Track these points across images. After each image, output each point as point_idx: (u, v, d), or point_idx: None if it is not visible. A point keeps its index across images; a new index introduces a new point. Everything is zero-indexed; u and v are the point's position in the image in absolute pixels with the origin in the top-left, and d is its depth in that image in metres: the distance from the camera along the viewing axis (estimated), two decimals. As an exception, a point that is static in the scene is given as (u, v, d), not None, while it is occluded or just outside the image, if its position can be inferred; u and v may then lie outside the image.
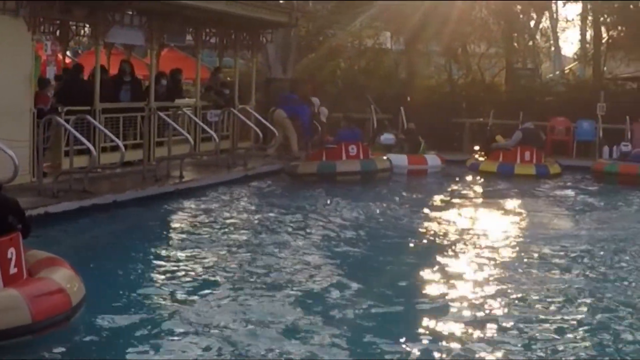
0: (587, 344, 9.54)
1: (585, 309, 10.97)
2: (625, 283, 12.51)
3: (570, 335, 9.80)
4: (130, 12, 20.39)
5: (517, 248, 14.94)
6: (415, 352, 9.16)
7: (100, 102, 18.99)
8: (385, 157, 24.52)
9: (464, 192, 22.82)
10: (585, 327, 10.10)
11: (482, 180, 24.73)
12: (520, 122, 27.23)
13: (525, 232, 16.82)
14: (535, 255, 14.19)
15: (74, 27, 21.96)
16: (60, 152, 17.72)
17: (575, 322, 10.29)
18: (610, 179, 24.64)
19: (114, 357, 8.80)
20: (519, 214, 19.01)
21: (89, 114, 18.01)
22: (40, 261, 9.58)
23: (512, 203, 20.48)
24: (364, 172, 23.23)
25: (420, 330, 9.91)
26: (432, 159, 26.01)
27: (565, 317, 10.48)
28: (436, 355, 9.09)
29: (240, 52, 26.53)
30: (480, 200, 21.45)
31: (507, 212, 19.16)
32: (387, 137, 26.91)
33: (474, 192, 23.02)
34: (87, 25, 21.24)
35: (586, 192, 22.98)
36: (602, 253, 14.51)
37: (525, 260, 13.78)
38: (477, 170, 26.05)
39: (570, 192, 22.82)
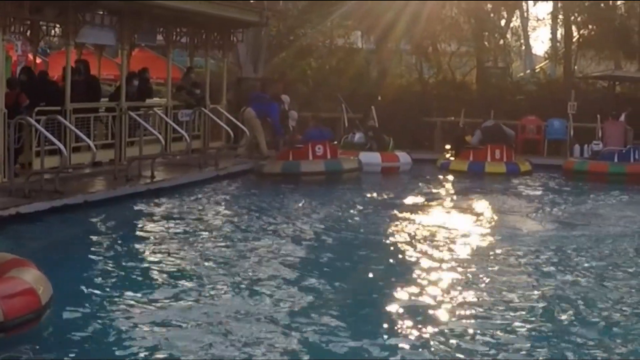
0: (560, 344, 9.60)
1: (555, 308, 10.98)
2: (596, 281, 12.56)
3: (540, 338, 9.83)
4: (101, 12, 20.35)
5: (486, 248, 14.93)
6: (384, 353, 9.19)
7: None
8: (353, 157, 24.52)
9: (435, 191, 22.82)
10: (556, 329, 10.16)
11: (453, 179, 24.82)
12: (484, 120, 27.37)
13: (495, 231, 16.81)
14: (504, 254, 14.20)
15: (45, 27, 21.87)
16: (31, 152, 17.63)
17: (544, 324, 10.33)
18: (580, 177, 24.87)
19: (83, 356, 8.79)
20: (489, 213, 19.02)
21: (59, 114, 17.94)
22: (5, 263, 9.55)
23: (482, 202, 20.45)
24: (328, 173, 23.17)
25: (391, 331, 9.94)
26: (404, 157, 26.13)
27: (536, 319, 10.52)
28: (409, 356, 9.12)
29: (211, 51, 26.52)
30: (450, 200, 21.43)
31: (477, 211, 19.10)
32: (359, 136, 26.96)
33: (445, 191, 23.07)
34: (58, 26, 21.16)
35: (556, 190, 23.17)
36: (569, 251, 14.60)
37: (494, 260, 13.78)
38: (448, 169, 26.17)
39: (540, 191, 23.00)
